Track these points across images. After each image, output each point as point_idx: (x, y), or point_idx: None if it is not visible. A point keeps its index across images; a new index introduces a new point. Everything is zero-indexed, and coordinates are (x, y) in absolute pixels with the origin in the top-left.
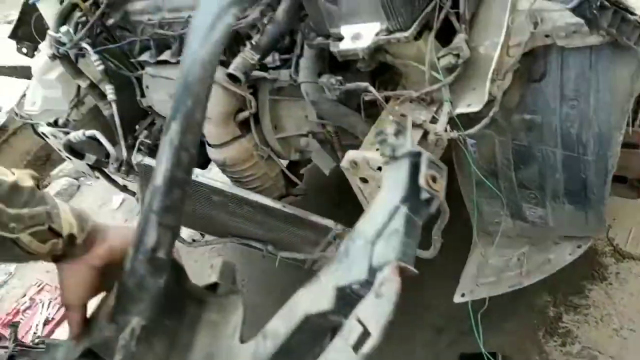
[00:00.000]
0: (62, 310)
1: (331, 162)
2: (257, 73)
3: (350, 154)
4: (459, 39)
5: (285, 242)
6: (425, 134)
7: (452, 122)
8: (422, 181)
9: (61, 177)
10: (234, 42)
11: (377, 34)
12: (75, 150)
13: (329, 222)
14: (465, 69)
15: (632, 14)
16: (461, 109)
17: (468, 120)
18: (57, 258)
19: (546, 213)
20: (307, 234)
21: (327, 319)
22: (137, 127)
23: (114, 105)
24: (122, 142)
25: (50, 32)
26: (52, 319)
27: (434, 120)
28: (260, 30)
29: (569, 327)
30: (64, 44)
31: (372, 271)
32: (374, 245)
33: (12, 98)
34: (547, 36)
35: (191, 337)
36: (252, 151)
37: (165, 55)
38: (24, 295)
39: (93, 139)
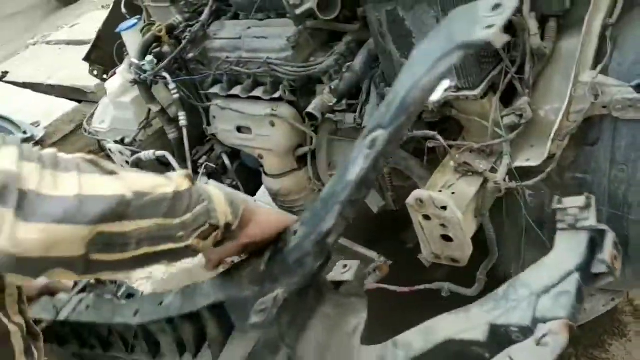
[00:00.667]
0: None
1: (380, 201)
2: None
3: (417, 193)
4: (523, 101)
5: None
6: (485, 182)
7: (510, 173)
8: (607, 257)
9: None
10: (307, 83)
11: (446, 90)
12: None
13: (372, 254)
14: (525, 128)
15: None
16: (520, 163)
17: (523, 173)
18: (215, 244)
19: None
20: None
21: (469, 349)
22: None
23: (184, 131)
24: (189, 164)
25: (133, 59)
26: None
27: (492, 171)
28: (332, 76)
29: None
30: (144, 72)
31: (535, 321)
32: (539, 299)
33: (49, 114)
34: (604, 107)
35: (305, 322)
36: (305, 184)
37: (236, 90)
38: None
39: (159, 159)
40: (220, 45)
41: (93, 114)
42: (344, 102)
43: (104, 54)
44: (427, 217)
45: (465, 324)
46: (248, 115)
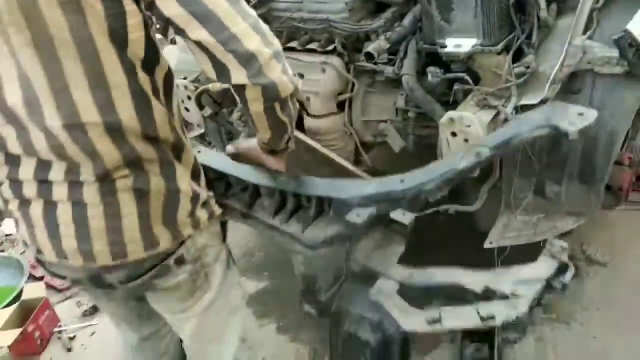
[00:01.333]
0: None
1: (402, 142)
2: (369, 65)
3: (450, 113)
4: (530, 58)
5: None
6: (497, 114)
7: (516, 109)
8: (566, 280)
9: None
10: (357, 40)
11: (473, 46)
12: (199, 103)
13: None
14: (529, 77)
15: None
16: (524, 101)
17: (525, 109)
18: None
19: (560, 190)
20: None
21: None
22: None
23: None
24: None
25: None
26: None
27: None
28: (378, 35)
29: None
30: None
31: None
32: (518, 285)
33: None
34: (588, 63)
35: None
36: (341, 126)
37: (293, 44)
38: None
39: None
40: (285, 7)
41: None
42: (385, 56)
43: None
44: (453, 134)
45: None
46: (303, 62)
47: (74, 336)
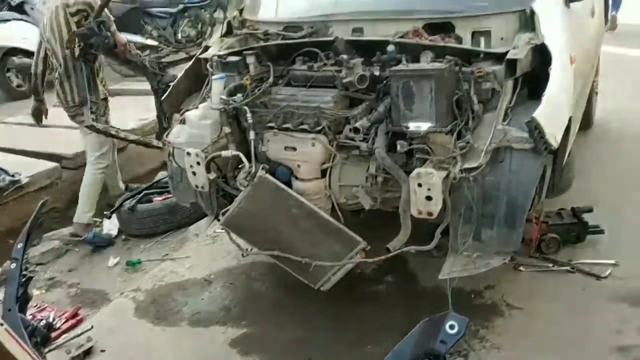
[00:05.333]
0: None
1: (371, 202)
2: (350, 142)
3: (418, 169)
4: (468, 137)
5: (314, 255)
6: (448, 175)
7: (460, 171)
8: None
9: (53, 240)
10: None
11: (428, 127)
12: (207, 167)
13: (359, 239)
14: (468, 150)
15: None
16: (466, 166)
17: (466, 171)
18: None
19: (492, 234)
20: (337, 246)
21: None
22: None
23: (252, 143)
24: (254, 161)
25: (222, 96)
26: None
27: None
28: (356, 119)
29: None
30: (229, 104)
31: None
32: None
33: (31, 167)
34: (507, 141)
35: None
36: (322, 189)
37: (287, 125)
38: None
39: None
40: (282, 97)
41: (169, 134)
42: (361, 134)
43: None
44: (419, 185)
45: None
46: (297, 138)
47: None
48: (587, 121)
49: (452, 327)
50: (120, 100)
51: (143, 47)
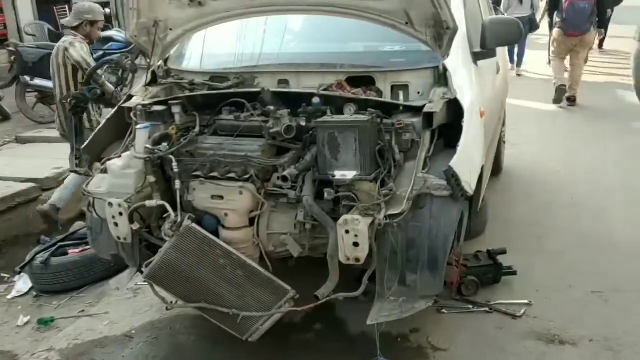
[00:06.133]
0: None
1: (299, 249)
2: (277, 190)
3: (345, 216)
4: (391, 185)
5: (242, 305)
6: (373, 222)
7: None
8: None
9: None
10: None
11: (354, 175)
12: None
13: (288, 288)
14: (391, 198)
15: (462, 185)
16: (390, 212)
17: (390, 217)
18: None
19: (416, 278)
20: (265, 296)
21: None
22: None
23: (178, 193)
24: (180, 211)
25: (147, 145)
26: None
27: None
28: (284, 168)
29: None
30: (155, 153)
31: None
32: None
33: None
34: (427, 188)
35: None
36: (250, 237)
37: (215, 173)
38: None
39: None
40: (209, 146)
41: (88, 184)
42: (289, 183)
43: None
44: (347, 232)
45: None
46: (224, 187)
47: None
48: (497, 167)
49: None
50: (32, 148)
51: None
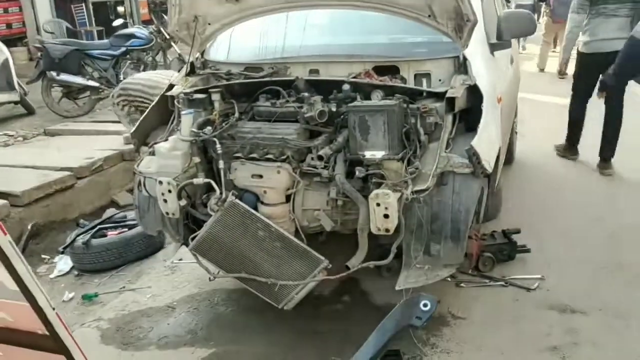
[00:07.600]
0: None
1: (331, 224)
2: (312, 169)
3: (376, 190)
4: (417, 164)
5: (279, 275)
6: (401, 197)
7: (412, 192)
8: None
9: None
10: (301, 153)
11: (383, 155)
12: (179, 194)
13: (322, 258)
14: (417, 175)
15: (482, 163)
16: (416, 188)
17: (417, 193)
18: None
19: (440, 248)
20: (301, 266)
21: None
22: None
23: (222, 172)
24: (224, 189)
25: (192, 129)
26: None
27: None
28: (318, 149)
29: None
30: (200, 136)
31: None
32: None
33: None
34: (450, 166)
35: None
36: (287, 213)
37: (254, 155)
38: None
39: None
40: (248, 130)
41: (139, 163)
42: (323, 162)
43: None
44: (378, 205)
45: None
46: (264, 167)
47: None
48: (509, 157)
49: (425, 305)
50: (62, 140)
51: (84, 89)
